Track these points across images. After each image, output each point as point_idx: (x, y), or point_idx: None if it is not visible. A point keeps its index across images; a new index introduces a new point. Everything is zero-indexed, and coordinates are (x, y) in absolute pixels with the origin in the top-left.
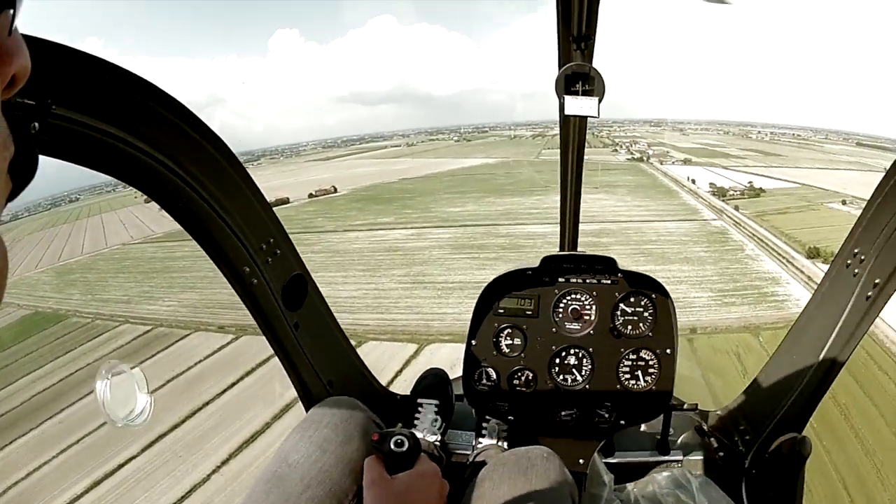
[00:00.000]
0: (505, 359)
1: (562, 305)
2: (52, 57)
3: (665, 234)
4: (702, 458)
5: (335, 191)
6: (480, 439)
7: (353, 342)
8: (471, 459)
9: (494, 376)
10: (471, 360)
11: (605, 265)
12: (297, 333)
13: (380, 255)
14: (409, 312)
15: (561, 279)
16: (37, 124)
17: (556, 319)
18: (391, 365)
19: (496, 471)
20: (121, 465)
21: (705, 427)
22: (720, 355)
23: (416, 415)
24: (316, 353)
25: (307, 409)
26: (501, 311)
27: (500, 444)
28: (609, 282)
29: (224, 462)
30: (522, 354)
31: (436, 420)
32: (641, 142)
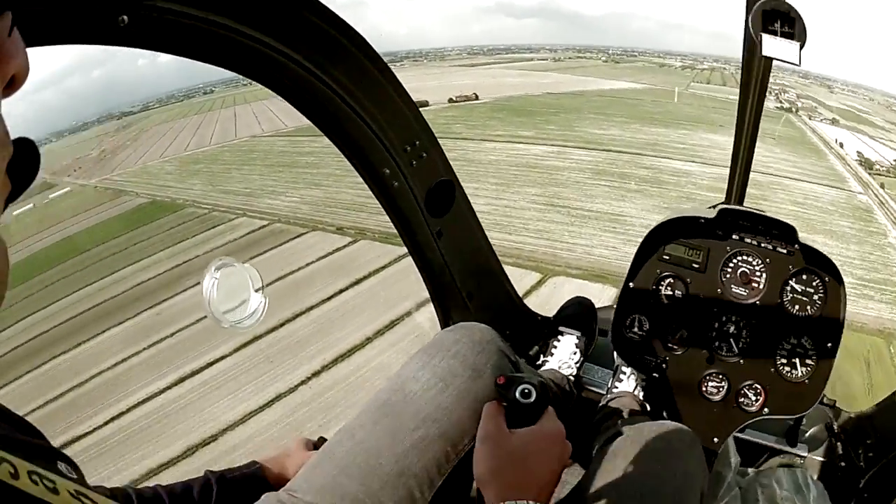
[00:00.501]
0: (662, 309)
1: (731, 265)
2: None
3: (812, 198)
4: (826, 460)
5: (476, 98)
6: (616, 383)
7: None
8: (603, 402)
9: (648, 326)
10: (626, 304)
11: (783, 232)
12: (439, 242)
13: (515, 171)
14: (538, 237)
15: (735, 236)
16: (126, 17)
17: (723, 280)
18: None
19: (632, 448)
20: (209, 364)
21: (835, 427)
22: (850, 359)
23: (556, 342)
24: (458, 264)
25: (442, 321)
26: (667, 257)
27: (636, 392)
28: (785, 251)
29: (315, 374)
30: (681, 309)
31: (575, 353)
32: (790, 91)
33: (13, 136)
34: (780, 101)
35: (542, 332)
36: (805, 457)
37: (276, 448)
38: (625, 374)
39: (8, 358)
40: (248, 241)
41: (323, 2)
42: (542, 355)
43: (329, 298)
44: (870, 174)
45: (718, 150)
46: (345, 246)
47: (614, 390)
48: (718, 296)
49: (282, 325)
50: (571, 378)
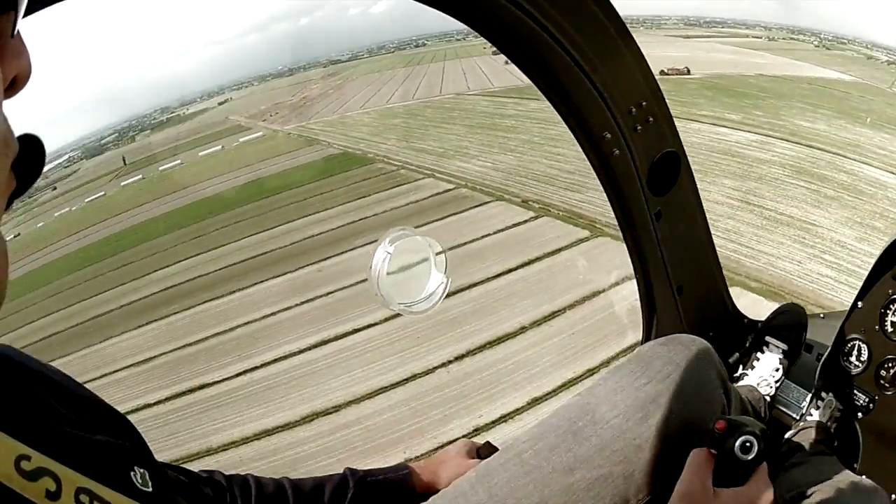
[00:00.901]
0: (884, 339)
1: None
2: None
3: None
4: None
5: (688, 72)
6: (813, 410)
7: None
8: (793, 432)
9: (866, 357)
10: (850, 326)
11: None
12: (656, 224)
13: (715, 158)
14: (725, 238)
15: None
16: None
17: None
18: None
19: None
20: (354, 331)
21: None
22: None
23: (759, 353)
24: (672, 251)
25: (645, 312)
26: None
27: (829, 424)
28: None
29: (458, 358)
30: None
31: (777, 369)
32: None
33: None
34: None
35: (747, 338)
36: None
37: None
38: (823, 401)
39: (168, 294)
40: (430, 204)
41: None
42: (741, 366)
43: (495, 277)
44: None
45: None
46: (525, 221)
47: (808, 418)
48: None
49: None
50: (768, 399)
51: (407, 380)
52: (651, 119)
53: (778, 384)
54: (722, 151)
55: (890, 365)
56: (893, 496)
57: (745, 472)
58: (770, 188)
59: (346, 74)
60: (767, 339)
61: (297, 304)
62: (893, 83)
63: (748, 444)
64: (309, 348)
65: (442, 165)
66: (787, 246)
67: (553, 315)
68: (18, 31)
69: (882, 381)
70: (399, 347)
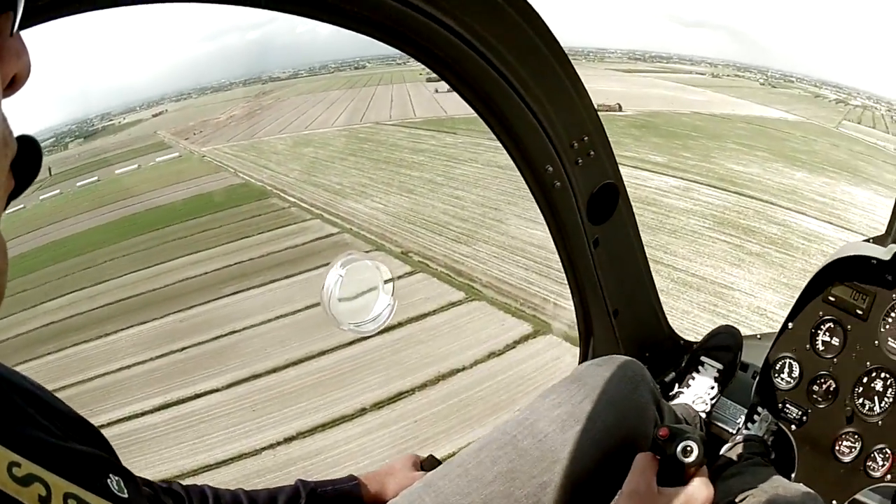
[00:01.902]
0: (815, 357)
1: (893, 317)
2: None
3: None
4: None
5: (619, 109)
6: (749, 424)
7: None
8: (730, 446)
9: (797, 374)
10: (780, 345)
11: None
12: (594, 251)
13: None
14: None
15: None
16: None
17: (882, 330)
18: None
19: None
20: (196, 396)
21: None
22: None
23: (695, 372)
24: (609, 277)
25: (583, 335)
26: (832, 299)
27: (766, 437)
28: None
29: (286, 440)
30: (835, 359)
31: (712, 387)
32: None
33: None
34: None
35: (683, 358)
36: None
37: (383, 464)
38: (759, 416)
39: (27, 338)
40: (307, 251)
41: None
42: (677, 384)
43: (348, 344)
44: None
45: (858, 210)
46: (400, 277)
47: (745, 432)
48: (875, 348)
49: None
50: (703, 415)
51: (232, 459)
52: (592, 153)
53: (714, 401)
54: (638, 199)
55: (822, 381)
56: (834, 502)
57: (686, 474)
58: (685, 243)
59: (281, 94)
60: (703, 359)
61: (151, 359)
62: (840, 122)
63: (689, 448)
64: (150, 411)
65: (334, 205)
66: (693, 315)
67: (400, 396)
68: (17, 31)
69: (814, 396)
70: (234, 420)
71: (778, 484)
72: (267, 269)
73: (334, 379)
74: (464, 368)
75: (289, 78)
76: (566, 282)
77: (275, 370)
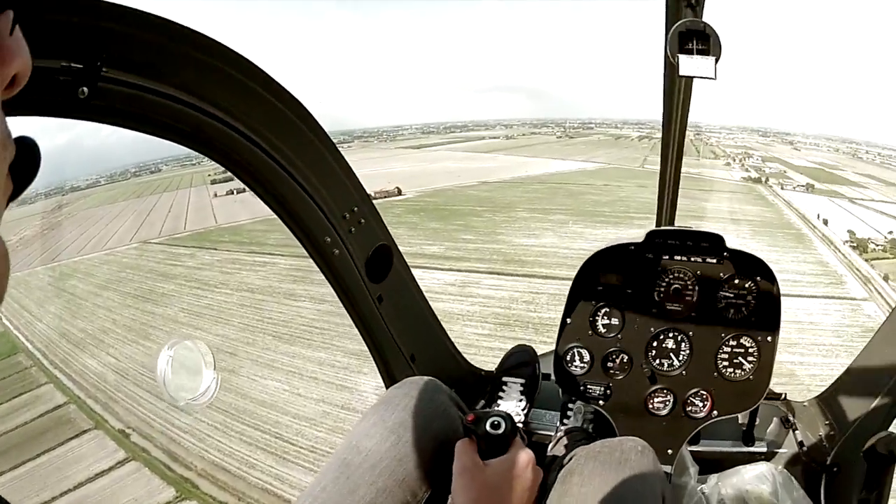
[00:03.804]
0: (600, 339)
1: (663, 285)
2: (100, 16)
3: (809, 326)
4: (786, 451)
5: (399, 193)
6: (565, 421)
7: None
8: (553, 442)
9: (588, 358)
10: (564, 339)
11: (711, 243)
12: (380, 307)
13: None
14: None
15: (665, 257)
16: (85, 89)
17: (657, 299)
18: None
19: (587, 464)
20: None
21: (791, 419)
22: None
23: (501, 393)
24: (399, 327)
25: (387, 386)
26: (601, 288)
27: (585, 426)
28: (714, 261)
29: None
30: (619, 335)
31: (521, 400)
32: (755, 155)
33: None
34: (747, 169)
35: (487, 386)
36: (765, 453)
37: None
38: (571, 410)
39: None
40: (28, 433)
41: (259, 66)
42: (488, 408)
43: None
44: (868, 261)
45: None
46: (110, 468)
47: (563, 428)
48: (654, 315)
49: None
50: (520, 425)
51: None
52: (363, 221)
53: (526, 413)
54: None
55: (614, 356)
56: (670, 450)
57: (503, 445)
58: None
59: (72, 208)
60: (504, 379)
61: None
62: (646, 159)
63: (496, 423)
64: None
65: (70, 361)
66: None
67: None
68: (17, 29)
69: (611, 371)
70: None
71: (600, 441)
72: None
73: None
74: None
75: (88, 187)
76: (363, 341)
77: None
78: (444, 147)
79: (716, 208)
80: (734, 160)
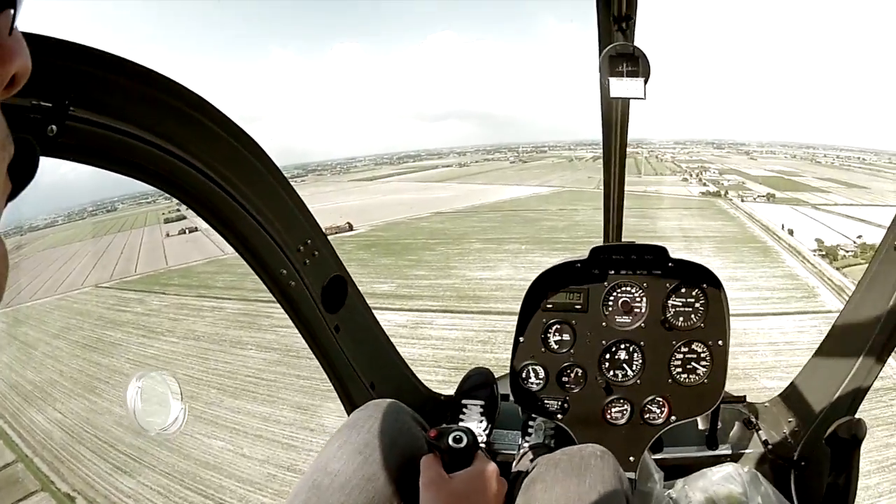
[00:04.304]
0: (554, 355)
1: (612, 299)
2: (69, 57)
3: (785, 346)
4: (751, 451)
5: (350, 228)
6: (527, 438)
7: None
8: (517, 460)
9: (543, 374)
10: (519, 357)
11: (655, 255)
12: (337, 336)
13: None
14: None
15: (611, 272)
16: (54, 127)
17: (606, 313)
18: None
19: (548, 472)
20: None
21: (753, 420)
22: None
23: (461, 416)
24: (357, 356)
25: (349, 412)
26: (550, 306)
27: (546, 442)
28: (660, 272)
29: None
30: (572, 350)
31: (481, 421)
32: (711, 168)
33: None
34: (705, 184)
35: (447, 410)
36: (730, 455)
37: None
38: (532, 428)
39: None
40: None
41: (213, 104)
42: None
43: None
44: (839, 269)
45: None
46: None
47: (525, 446)
48: (605, 329)
49: None
50: (483, 446)
51: None
52: (316, 252)
53: (487, 433)
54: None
55: (568, 370)
56: (632, 458)
57: (467, 458)
58: None
59: (28, 250)
60: (464, 402)
61: None
62: (599, 181)
63: (458, 437)
64: None
65: (19, 417)
66: None
67: None
68: (16, 28)
69: (567, 384)
70: None
71: (561, 449)
72: None
73: None
74: None
75: (46, 226)
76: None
77: None
78: (396, 178)
79: (675, 227)
80: (691, 175)
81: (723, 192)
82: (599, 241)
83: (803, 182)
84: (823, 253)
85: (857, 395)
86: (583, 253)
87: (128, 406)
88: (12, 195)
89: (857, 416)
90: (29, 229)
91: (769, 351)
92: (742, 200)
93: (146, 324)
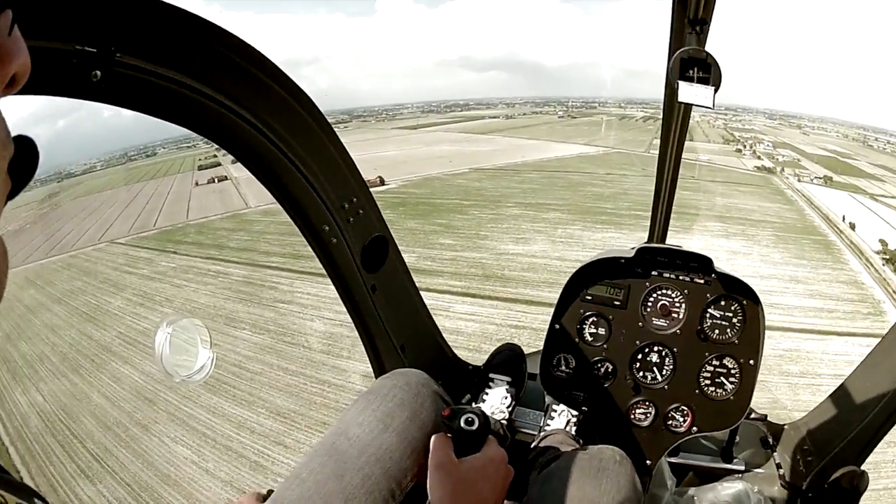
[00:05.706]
0: (587, 347)
1: (651, 300)
2: (117, 3)
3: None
4: (764, 472)
5: (381, 183)
6: (549, 421)
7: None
8: (536, 442)
9: (574, 364)
10: (552, 344)
11: (700, 263)
12: (373, 296)
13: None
14: None
15: (654, 272)
16: (98, 72)
17: (644, 314)
18: None
19: (566, 469)
20: None
21: (770, 441)
22: None
23: (487, 389)
24: (391, 317)
25: (377, 374)
26: (589, 297)
27: (567, 429)
28: (702, 281)
29: None
30: (605, 345)
31: (506, 397)
32: (764, 140)
33: None
34: (759, 157)
35: (474, 380)
36: (742, 471)
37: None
38: (556, 412)
39: None
40: None
41: (266, 56)
42: (473, 402)
43: None
44: None
45: None
46: None
47: (546, 428)
48: (640, 329)
49: None
50: (504, 422)
51: None
52: (361, 211)
53: (510, 410)
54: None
55: (599, 365)
56: (648, 461)
57: (477, 442)
58: None
59: (62, 197)
60: (491, 375)
61: None
62: (651, 143)
63: (470, 419)
64: None
65: (3, 399)
66: None
67: None
68: (16, 28)
69: (595, 378)
70: None
71: (581, 448)
72: None
73: None
74: None
75: (83, 173)
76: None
77: None
78: (441, 128)
79: (733, 205)
80: (745, 146)
81: (778, 169)
82: (646, 215)
83: (858, 167)
84: (888, 258)
85: (871, 441)
86: (626, 242)
87: (155, 351)
88: (12, 194)
89: (875, 450)
90: (66, 175)
91: (833, 385)
92: (799, 180)
93: (147, 290)
